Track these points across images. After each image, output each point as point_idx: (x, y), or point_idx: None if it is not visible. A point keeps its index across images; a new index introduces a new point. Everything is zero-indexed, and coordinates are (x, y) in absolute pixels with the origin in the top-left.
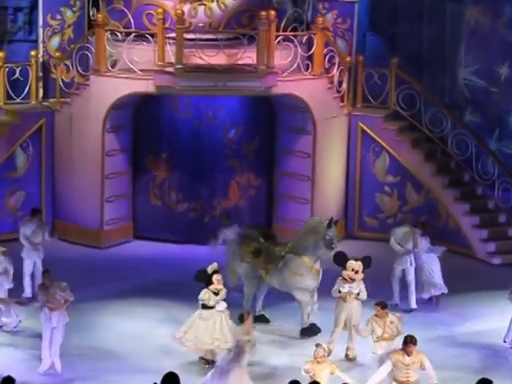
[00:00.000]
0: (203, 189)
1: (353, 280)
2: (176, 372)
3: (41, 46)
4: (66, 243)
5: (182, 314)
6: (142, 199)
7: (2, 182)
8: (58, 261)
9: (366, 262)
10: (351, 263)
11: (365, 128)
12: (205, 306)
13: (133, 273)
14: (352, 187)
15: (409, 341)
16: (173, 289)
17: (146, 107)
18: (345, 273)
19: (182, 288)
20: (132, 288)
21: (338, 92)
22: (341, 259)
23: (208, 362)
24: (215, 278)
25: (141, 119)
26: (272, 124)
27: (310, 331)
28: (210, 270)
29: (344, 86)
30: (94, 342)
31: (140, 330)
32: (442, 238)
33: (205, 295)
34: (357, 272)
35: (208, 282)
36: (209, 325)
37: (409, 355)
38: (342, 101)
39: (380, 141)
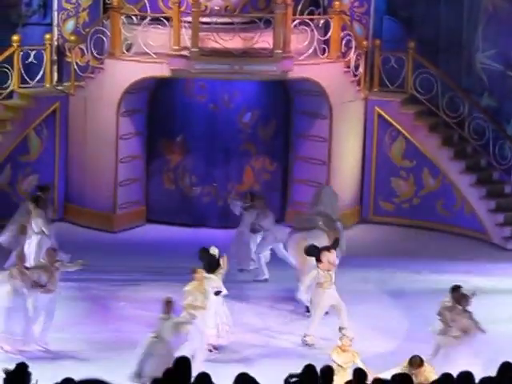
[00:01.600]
0: (217, 173)
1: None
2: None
3: (55, 29)
4: (79, 227)
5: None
6: (156, 183)
7: (16, 165)
8: (70, 244)
9: (335, 244)
10: (327, 255)
11: (381, 112)
12: (217, 293)
13: (145, 257)
14: (368, 171)
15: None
16: (186, 273)
17: (161, 91)
18: (322, 265)
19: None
20: (145, 272)
21: (355, 76)
22: (313, 251)
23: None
24: (222, 261)
25: (155, 103)
26: (288, 108)
27: None
28: (215, 253)
29: (361, 70)
30: (106, 326)
31: (152, 315)
32: (458, 223)
33: (217, 282)
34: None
35: (216, 265)
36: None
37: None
38: (359, 85)
39: (397, 125)
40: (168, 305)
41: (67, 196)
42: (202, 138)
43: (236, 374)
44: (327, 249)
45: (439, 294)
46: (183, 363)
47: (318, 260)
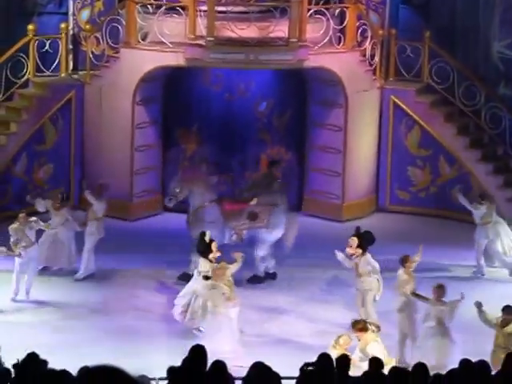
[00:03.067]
0: (234, 162)
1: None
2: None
3: (71, 18)
4: None
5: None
6: (172, 172)
7: (31, 154)
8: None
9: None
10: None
11: (397, 101)
12: (207, 277)
13: (161, 245)
14: (384, 160)
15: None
16: None
17: (177, 80)
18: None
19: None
20: (160, 260)
21: (371, 65)
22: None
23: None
24: (214, 245)
25: (171, 92)
26: (303, 97)
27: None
28: (206, 238)
29: (376, 59)
30: (120, 314)
31: (168, 303)
32: None
33: (205, 266)
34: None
35: (207, 250)
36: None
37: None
38: (375, 74)
39: (412, 114)
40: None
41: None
42: (217, 127)
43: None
44: None
45: (456, 282)
46: (199, 351)
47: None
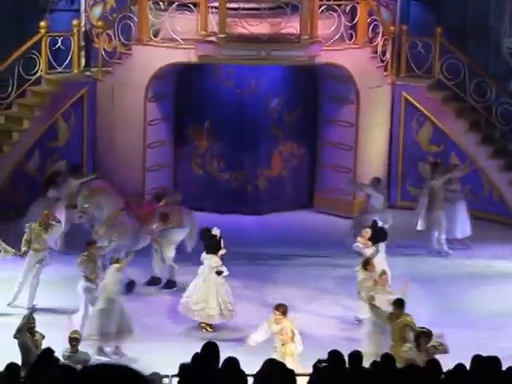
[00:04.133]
0: (245, 158)
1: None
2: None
3: (83, 15)
4: None
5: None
6: (184, 168)
7: (44, 151)
8: None
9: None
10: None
11: (408, 97)
12: (219, 273)
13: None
14: (395, 156)
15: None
16: None
17: (188, 76)
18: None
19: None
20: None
21: (382, 61)
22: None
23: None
24: (222, 242)
25: (183, 88)
26: (315, 93)
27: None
28: (217, 234)
29: (388, 55)
30: (130, 313)
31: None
32: (486, 209)
33: (218, 261)
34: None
35: (218, 247)
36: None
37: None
38: (386, 70)
39: (424, 110)
40: None
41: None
42: (229, 123)
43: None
44: None
45: (467, 279)
46: (211, 348)
47: None
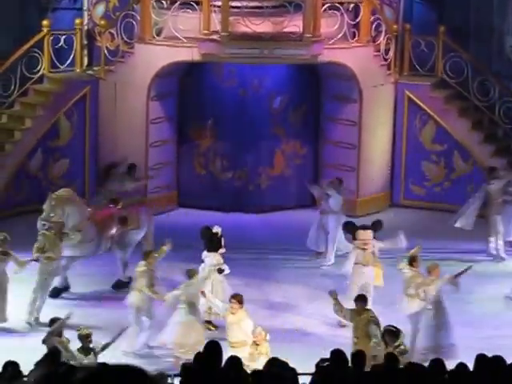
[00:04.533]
0: (248, 157)
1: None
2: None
3: (85, 13)
4: None
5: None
6: (187, 167)
7: (46, 150)
8: None
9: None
10: (360, 233)
11: (411, 96)
12: (220, 271)
13: (177, 241)
14: (398, 155)
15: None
16: None
17: (191, 75)
18: (357, 242)
19: (226, 256)
20: (176, 256)
21: (385, 60)
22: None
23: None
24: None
25: (186, 87)
26: (318, 92)
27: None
28: (218, 232)
29: (391, 53)
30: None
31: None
32: None
33: (219, 259)
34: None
35: (219, 245)
36: (225, 288)
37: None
38: (389, 69)
39: (427, 109)
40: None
41: (98, 181)
42: (232, 122)
43: None
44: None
45: (472, 277)
46: (214, 347)
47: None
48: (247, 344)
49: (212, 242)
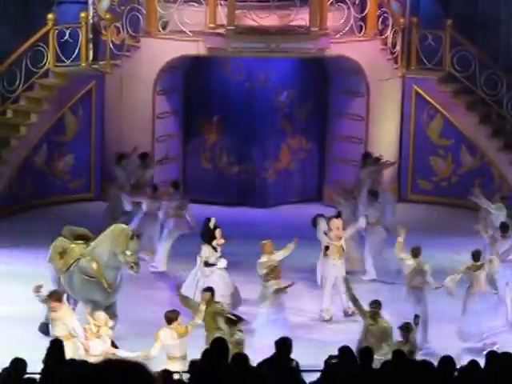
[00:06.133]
0: (254, 151)
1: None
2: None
3: (91, 7)
4: None
5: (230, 276)
6: (193, 162)
7: (51, 144)
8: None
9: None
10: (333, 221)
11: (419, 90)
12: (207, 264)
13: (183, 235)
14: (405, 150)
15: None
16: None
17: (197, 69)
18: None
19: (231, 250)
20: (182, 251)
21: (392, 54)
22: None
23: None
24: (218, 232)
25: (192, 81)
26: (324, 86)
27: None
28: (212, 224)
29: (398, 47)
30: (139, 306)
31: (188, 293)
32: None
33: (208, 252)
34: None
35: (211, 236)
36: (213, 282)
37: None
38: (396, 63)
39: (434, 103)
40: None
41: (103, 175)
42: (238, 116)
43: None
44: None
45: None
46: (220, 344)
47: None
48: (71, 338)
49: (203, 233)
